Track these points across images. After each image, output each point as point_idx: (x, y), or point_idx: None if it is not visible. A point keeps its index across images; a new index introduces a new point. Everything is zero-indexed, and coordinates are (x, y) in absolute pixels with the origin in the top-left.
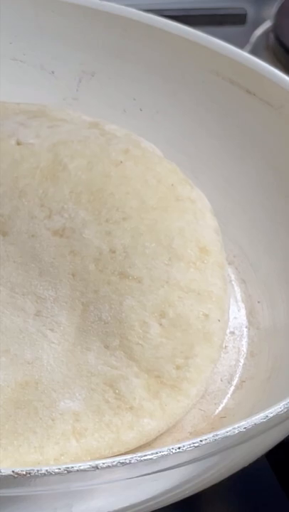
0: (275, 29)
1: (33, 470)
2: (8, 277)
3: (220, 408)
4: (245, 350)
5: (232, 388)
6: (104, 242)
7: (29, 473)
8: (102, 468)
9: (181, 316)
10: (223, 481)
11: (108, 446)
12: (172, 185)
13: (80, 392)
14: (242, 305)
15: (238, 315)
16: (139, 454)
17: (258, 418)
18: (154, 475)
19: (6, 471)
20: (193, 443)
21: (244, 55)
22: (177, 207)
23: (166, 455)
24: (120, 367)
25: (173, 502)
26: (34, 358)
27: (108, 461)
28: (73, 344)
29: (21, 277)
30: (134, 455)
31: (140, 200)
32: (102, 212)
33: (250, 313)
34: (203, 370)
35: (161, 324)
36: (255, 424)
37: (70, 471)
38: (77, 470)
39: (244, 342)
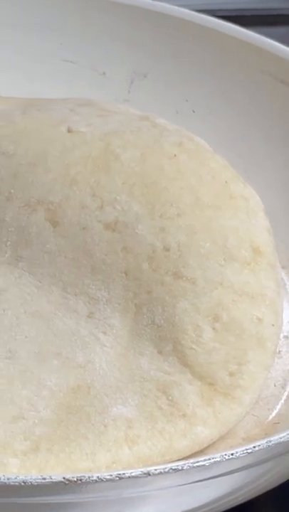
0: None
1: (84, 476)
2: (60, 275)
3: (273, 414)
4: None
5: (286, 394)
6: (158, 239)
7: (80, 480)
8: (154, 474)
9: (234, 320)
10: (276, 487)
11: (160, 454)
12: (226, 182)
13: (133, 397)
14: None
15: None
16: (192, 461)
17: None
18: (206, 481)
19: (57, 477)
20: (247, 449)
21: None
22: (231, 205)
23: (219, 461)
24: (173, 373)
25: (225, 509)
26: (86, 361)
27: (160, 468)
28: (126, 348)
29: (73, 275)
30: (187, 461)
31: (195, 196)
32: (155, 207)
33: None
34: (257, 378)
35: (214, 328)
36: None
37: (122, 478)
38: (129, 476)
39: None
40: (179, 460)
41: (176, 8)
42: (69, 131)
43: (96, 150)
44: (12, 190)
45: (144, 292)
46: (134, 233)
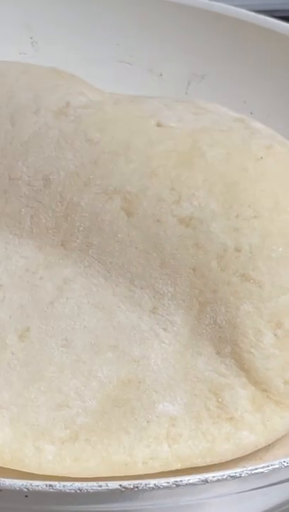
0: None
1: (141, 484)
2: (129, 266)
3: None
4: None
5: None
6: (230, 239)
7: (137, 487)
8: (212, 482)
9: None
10: None
11: (201, 455)
12: None
13: (183, 396)
14: None
15: None
16: (250, 468)
17: None
18: (265, 489)
19: (113, 484)
20: None
21: None
22: None
23: (278, 468)
24: (229, 375)
25: None
26: (142, 356)
27: (218, 475)
28: (185, 346)
29: (142, 267)
30: (245, 468)
31: (274, 200)
32: (233, 207)
33: None
34: None
35: (276, 334)
36: None
37: (179, 485)
38: (186, 484)
39: None
40: (222, 465)
41: (233, 8)
42: (158, 125)
43: (182, 145)
44: (91, 176)
45: (210, 291)
46: (208, 230)
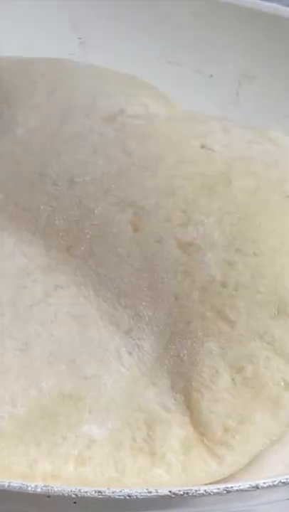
0: None
1: (191, 490)
2: (120, 283)
3: None
4: None
5: None
6: (220, 272)
7: (187, 493)
8: (263, 488)
9: (258, 378)
10: None
11: (104, 484)
12: None
13: (115, 422)
14: None
15: None
16: None
17: None
18: None
19: (163, 491)
20: None
21: None
22: None
23: None
24: (174, 412)
25: None
26: (94, 374)
27: (269, 481)
28: (143, 374)
29: (131, 286)
30: None
31: (281, 241)
32: (236, 240)
33: None
34: (251, 442)
35: (233, 379)
36: None
37: (230, 491)
38: (237, 490)
39: None
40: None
41: (284, 8)
42: (202, 146)
43: (213, 171)
44: (112, 186)
45: (184, 322)
46: (202, 260)
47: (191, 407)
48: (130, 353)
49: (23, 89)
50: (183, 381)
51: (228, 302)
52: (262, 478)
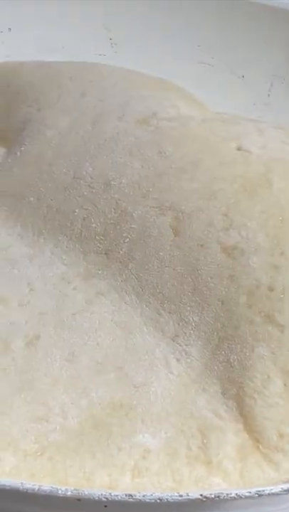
0: None
1: (222, 493)
2: (163, 287)
3: None
4: None
5: None
6: (266, 276)
7: (218, 497)
8: None
9: None
10: None
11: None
12: None
13: (168, 430)
14: None
15: None
16: None
17: None
18: None
19: (194, 494)
20: None
21: None
22: None
23: None
24: (226, 419)
25: None
26: (143, 383)
27: None
28: (193, 380)
29: (175, 291)
30: None
31: None
32: (280, 243)
33: None
34: None
35: (285, 384)
36: None
37: (261, 495)
38: (269, 494)
39: None
40: None
41: None
42: (238, 148)
43: (252, 172)
44: (151, 189)
45: (232, 327)
46: (247, 263)
47: (244, 414)
48: (178, 360)
49: (51, 92)
50: (234, 387)
51: (276, 306)
52: None
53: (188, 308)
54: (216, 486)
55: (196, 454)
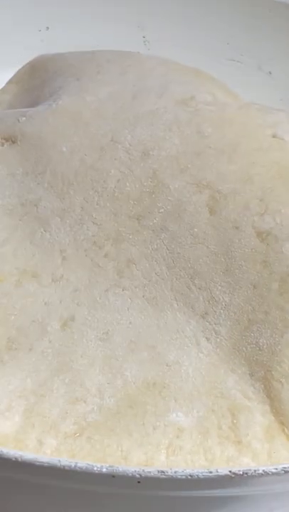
0: None
1: (250, 470)
2: (194, 263)
3: None
4: None
5: None
6: None
7: (246, 473)
8: None
9: None
10: None
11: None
12: None
13: (200, 409)
14: None
15: None
16: None
17: None
18: None
19: (223, 470)
20: None
21: None
22: None
23: None
24: (253, 400)
25: None
26: (175, 361)
27: None
28: (222, 360)
29: (206, 268)
30: None
31: None
32: None
33: None
34: None
35: None
36: None
37: (288, 472)
38: None
39: None
40: None
41: None
42: (273, 135)
43: (287, 161)
44: (189, 166)
45: (262, 311)
46: (280, 250)
47: (271, 396)
48: (208, 339)
49: (90, 69)
50: (262, 370)
51: None
52: None
53: (219, 287)
54: (245, 465)
55: (227, 434)
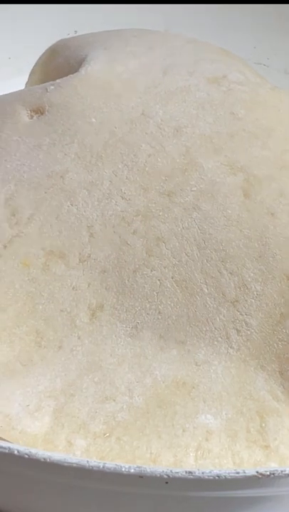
0: None
1: (277, 470)
2: (226, 245)
3: None
4: None
5: None
6: None
7: (273, 474)
8: None
9: None
10: None
11: None
12: None
13: (229, 411)
14: None
15: None
16: None
17: None
18: None
19: (250, 471)
20: None
21: None
22: None
23: None
24: (282, 401)
25: None
26: (205, 360)
27: None
28: (251, 355)
29: (239, 252)
30: None
31: None
32: None
33: None
34: None
35: None
36: None
37: None
38: None
39: None
40: None
41: None
42: None
43: None
44: (223, 146)
45: None
46: None
47: None
48: (238, 331)
49: (118, 42)
50: None
51: None
52: None
53: (252, 274)
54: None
55: (255, 438)
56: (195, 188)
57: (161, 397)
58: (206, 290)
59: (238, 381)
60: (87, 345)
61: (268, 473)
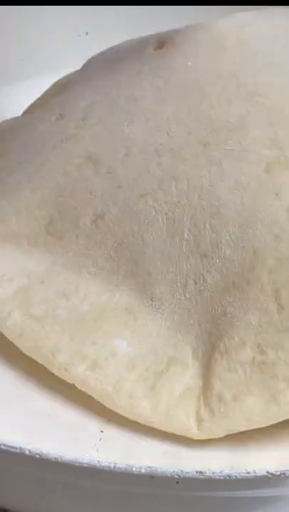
0: None
1: (288, 470)
2: (224, 204)
3: None
4: None
5: None
6: None
7: (283, 474)
8: None
9: (273, 368)
10: None
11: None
12: None
13: (145, 348)
14: None
15: None
16: None
17: None
18: None
19: (261, 471)
20: None
21: None
22: None
23: None
24: (199, 360)
25: None
26: (159, 298)
27: None
28: (195, 309)
29: (229, 213)
30: None
31: None
32: None
33: None
34: (230, 420)
35: (253, 358)
36: None
37: None
38: None
39: None
40: None
41: None
42: None
43: None
44: (280, 123)
45: (246, 281)
46: None
47: (209, 365)
48: (195, 283)
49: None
50: (216, 336)
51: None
52: None
53: (228, 237)
54: (142, 409)
55: (147, 376)
56: (228, 147)
57: (103, 315)
58: (186, 236)
59: (174, 328)
60: (80, 247)
61: (279, 473)
